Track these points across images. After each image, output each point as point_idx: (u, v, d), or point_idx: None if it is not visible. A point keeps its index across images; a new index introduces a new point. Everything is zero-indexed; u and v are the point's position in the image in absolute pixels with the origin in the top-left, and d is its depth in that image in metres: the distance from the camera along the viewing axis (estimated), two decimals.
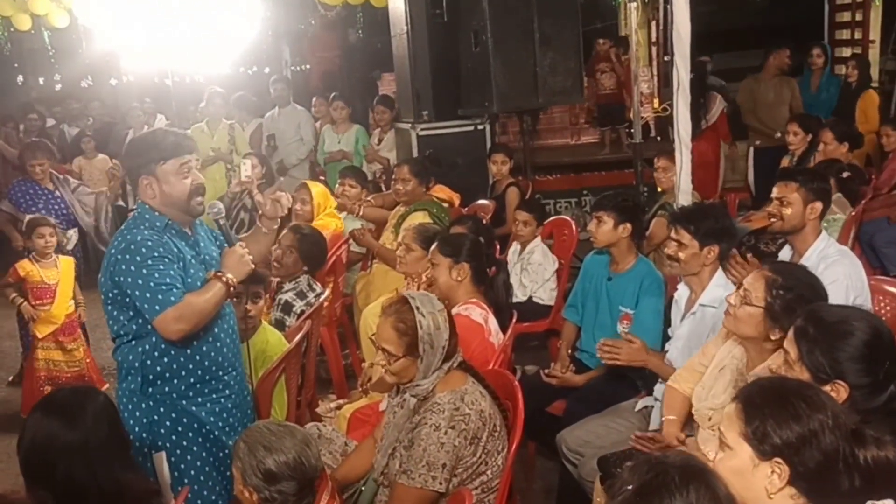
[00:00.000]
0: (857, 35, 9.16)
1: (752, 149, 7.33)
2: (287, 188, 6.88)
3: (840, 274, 3.09)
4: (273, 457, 1.98)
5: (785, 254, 3.37)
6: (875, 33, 9.07)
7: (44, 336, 4.70)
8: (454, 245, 3.30)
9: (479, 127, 6.50)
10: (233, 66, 9.95)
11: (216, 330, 2.67)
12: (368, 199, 5.20)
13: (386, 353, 2.45)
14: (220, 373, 2.69)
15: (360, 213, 4.98)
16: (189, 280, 2.56)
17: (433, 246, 3.35)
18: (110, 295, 2.55)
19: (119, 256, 2.50)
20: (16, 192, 5.52)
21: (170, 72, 9.46)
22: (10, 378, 5.47)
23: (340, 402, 3.62)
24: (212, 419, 2.66)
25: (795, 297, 2.34)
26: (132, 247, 2.50)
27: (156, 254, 2.49)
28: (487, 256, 3.44)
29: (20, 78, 12.47)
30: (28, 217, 4.95)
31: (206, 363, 2.64)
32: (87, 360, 4.88)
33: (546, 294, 4.61)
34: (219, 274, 2.57)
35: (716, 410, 2.52)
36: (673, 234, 3.09)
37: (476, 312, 3.16)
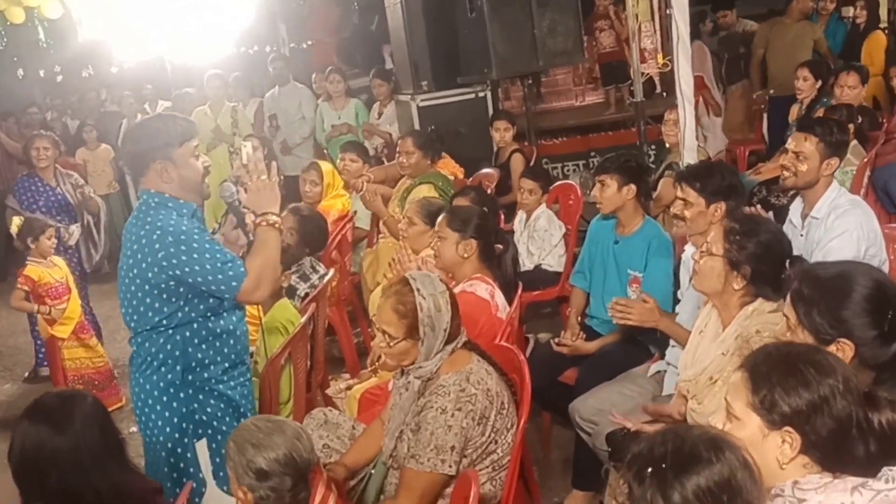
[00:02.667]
0: None
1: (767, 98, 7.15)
2: (292, 168, 6.86)
3: (851, 224, 3.02)
4: (263, 454, 1.94)
5: (796, 205, 3.28)
6: None
7: (67, 336, 4.69)
8: (463, 219, 3.23)
9: (481, 94, 6.38)
10: (231, 47, 9.88)
11: (240, 311, 2.70)
12: (368, 172, 5.13)
13: (386, 335, 2.40)
14: (245, 355, 2.74)
15: (364, 190, 4.92)
16: None
17: (441, 218, 3.29)
18: (162, 286, 2.47)
19: (171, 249, 2.43)
20: (19, 189, 5.50)
21: (167, 57, 9.39)
22: (26, 374, 5.50)
23: (350, 382, 3.60)
24: (242, 401, 2.70)
25: (754, 243, 2.39)
26: (182, 236, 2.46)
27: (205, 235, 2.53)
28: (496, 232, 3.38)
29: (20, 72, 12.42)
30: (27, 218, 4.92)
31: (239, 346, 2.68)
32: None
33: (554, 260, 4.55)
34: (258, 221, 2.56)
35: (691, 381, 2.49)
36: (679, 193, 3.02)
37: (482, 288, 3.10)
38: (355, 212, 5.13)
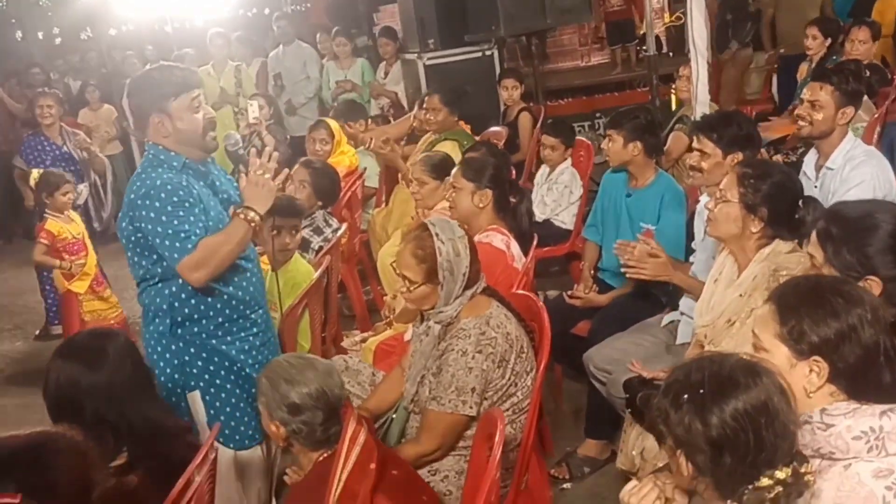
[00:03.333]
0: None
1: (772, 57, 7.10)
2: (297, 129, 6.82)
3: (867, 174, 3.02)
4: (296, 389, 1.98)
5: (810, 157, 3.28)
6: None
7: (84, 291, 4.72)
8: (477, 169, 3.23)
9: (488, 53, 6.36)
10: (232, 8, 9.78)
11: (242, 269, 2.66)
12: (370, 130, 5.09)
13: (406, 279, 2.42)
14: (248, 311, 2.68)
15: (371, 147, 4.90)
16: (210, 222, 2.52)
17: (455, 170, 3.28)
18: (132, 239, 2.51)
19: (139, 201, 2.46)
20: (26, 148, 5.50)
21: (169, 18, 9.30)
22: (37, 332, 5.53)
23: (365, 335, 3.63)
24: (241, 357, 2.66)
25: (768, 185, 2.41)
26: (152, 191, 2.46)
27: (175, 198, 2.45)
28: (510, 183, 3.37)
29: (19, 34, 12.31)
30: (44, 172, 4.91)
31: (234, 302, 2.63)
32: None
33: (568, 218, 4.56)
34: (238, 211, 2.50)
35: (708, 326, 2.52)
36: (695, 144, 3.01)
37: (497, 239, 3.11)
38: (364, 168, 5.12)
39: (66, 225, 4.74)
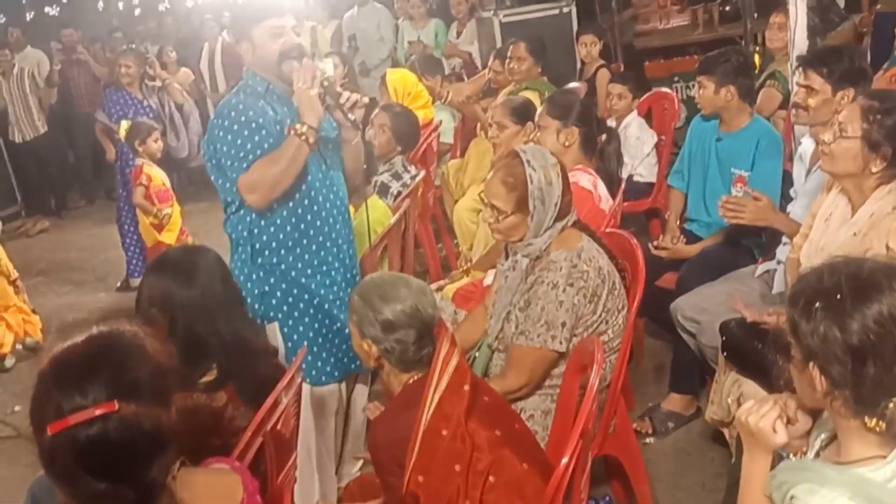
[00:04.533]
0: None
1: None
2: (370, 90, 6.78)
3: None
4: (390, 306, 1.91)
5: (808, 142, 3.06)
6: None
7: (173, 242, 4.78)
8: (564, 107, 3.11)
9: (565, 10, 6.20)
10: None
11: (320, 199, 2.62)
12: (448, 86, 5.02)
13: (494, 209, 2.33)
14: (329, 244, 2.64)
15: (449, 100, 4.82)
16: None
17: (541, 108, 3.17)
18: (213, 162, 2.53)
19: (216, 120, 2.50)
20: (108, 102, 5.60)
21: None
22: (119, 284, 5.67)
23: (441, 282, 3.56)
24: (322, 292, 2.63)
25: (894, 120, 2.20)
26: (224, 110, 2.49)
27: (243, 117, 2.44)
28: (598, 122, 3.24)
29: (100, 4, 12.60)
30: (134, 122, 5.00)
31: (312, 232, 2.60)
32: None
33: (646, 170, 4.39)
34: (292, 128, 2.42)
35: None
36: (801, 80, 2.82)
37: (585, 179, 2.99)
38: (440, 122, 5.04)
39: (158, 173, 4.82)
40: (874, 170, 2.26)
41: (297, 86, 2.45)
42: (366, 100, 2.67)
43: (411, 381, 1.94)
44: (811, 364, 1.30)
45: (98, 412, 1.18)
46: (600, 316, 2.32)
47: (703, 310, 2.94)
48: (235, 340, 1.97)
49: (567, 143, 3.07)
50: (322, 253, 2.63)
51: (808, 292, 1.30)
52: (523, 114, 3.49)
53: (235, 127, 2.43)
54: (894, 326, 1.22)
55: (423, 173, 3.90)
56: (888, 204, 2.23)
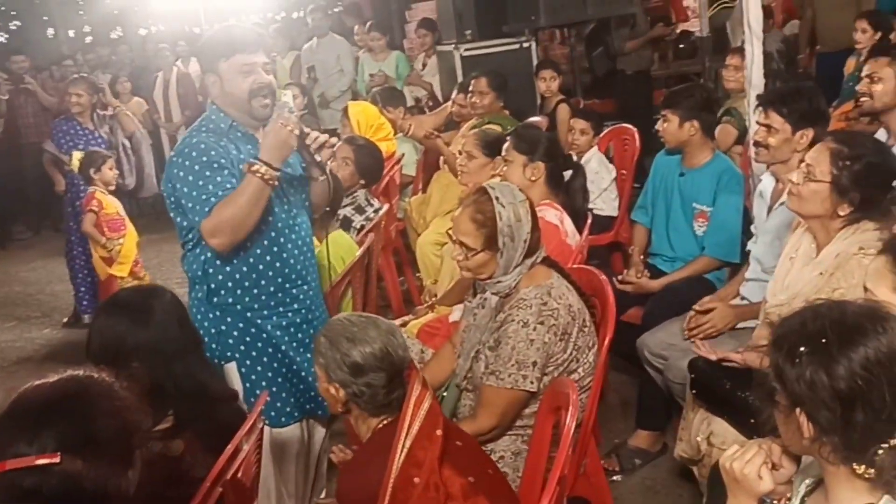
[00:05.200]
0: None
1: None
2: (330, 122, 6.74)
3: None
4: (358, 348, 1.84)
5: (881, 136, 3.13)
6: None
7: (126, 275, 4.66)
8: (530, 142, 3.09)
9: (525, 45, 6.24)
10: (260, 11, 9.76)
11: (281, 240, 2.52)
12: (409, 118, 5.00)
13: (463, 246, 2.28)
14: (288, 285, 2.54)
15: (411, 133, 4.80)
16: None
17: (507, 142, 3.15)
18: (171, 200, 2.44)
19: (174, 158, 2.42)
20: (57, 132, 5.43)
21: (202, 15, 9.25)
22: (65, 319, 5.47)
23: (405, 318, 3.49)
24: (278, 333, 2.53)
25: (863, 167, 2.22)
26: (185, 150, 2.40)
27: (205, 157, 2.35)
28: (564, 158, 3.24)
29: (50, 31, 12.41)
30: (87, 151, 4.87)
31: (271, 274, 2.50)
32: None
33: (605, 204, 4.41)
34: (252, 166, 2.30)
35: (783, 305, 2.36)
36: (761, 119, 2.86)
37: (551, 213, 2.98)
38: (402, 154, 5.01)
39: (111, 201, 4.70)
40: (841, 213, 2.27)
41: (277, 123, 2.32)
42: (334, 140, 2.60)
43: (381, 425, 1.87)
44: (798, 410, 1.27)
45: (37, 462, 1.10)
46: (571, 354, 2.28)
47: (670, 345, 2.94)
48: (193, 386, 1.88)
49: (533, 178, 3.06)
50: (280, 294, 2.53)
51: (793, 337, 1.27)
52: (495, 148, 3.47)
53: (196, 167, 2.34)
54: (882, 371, 1.20)
55: (386, 206, 3.85)
56: (853, 245, 2.24)
